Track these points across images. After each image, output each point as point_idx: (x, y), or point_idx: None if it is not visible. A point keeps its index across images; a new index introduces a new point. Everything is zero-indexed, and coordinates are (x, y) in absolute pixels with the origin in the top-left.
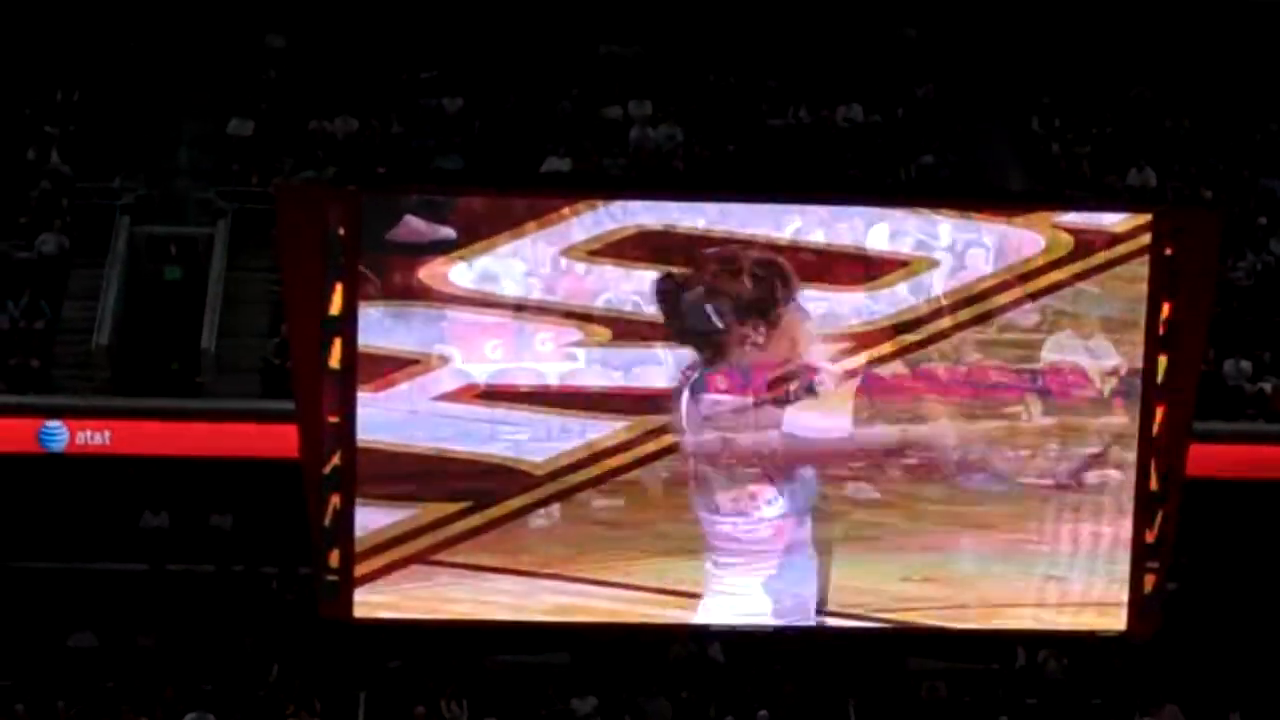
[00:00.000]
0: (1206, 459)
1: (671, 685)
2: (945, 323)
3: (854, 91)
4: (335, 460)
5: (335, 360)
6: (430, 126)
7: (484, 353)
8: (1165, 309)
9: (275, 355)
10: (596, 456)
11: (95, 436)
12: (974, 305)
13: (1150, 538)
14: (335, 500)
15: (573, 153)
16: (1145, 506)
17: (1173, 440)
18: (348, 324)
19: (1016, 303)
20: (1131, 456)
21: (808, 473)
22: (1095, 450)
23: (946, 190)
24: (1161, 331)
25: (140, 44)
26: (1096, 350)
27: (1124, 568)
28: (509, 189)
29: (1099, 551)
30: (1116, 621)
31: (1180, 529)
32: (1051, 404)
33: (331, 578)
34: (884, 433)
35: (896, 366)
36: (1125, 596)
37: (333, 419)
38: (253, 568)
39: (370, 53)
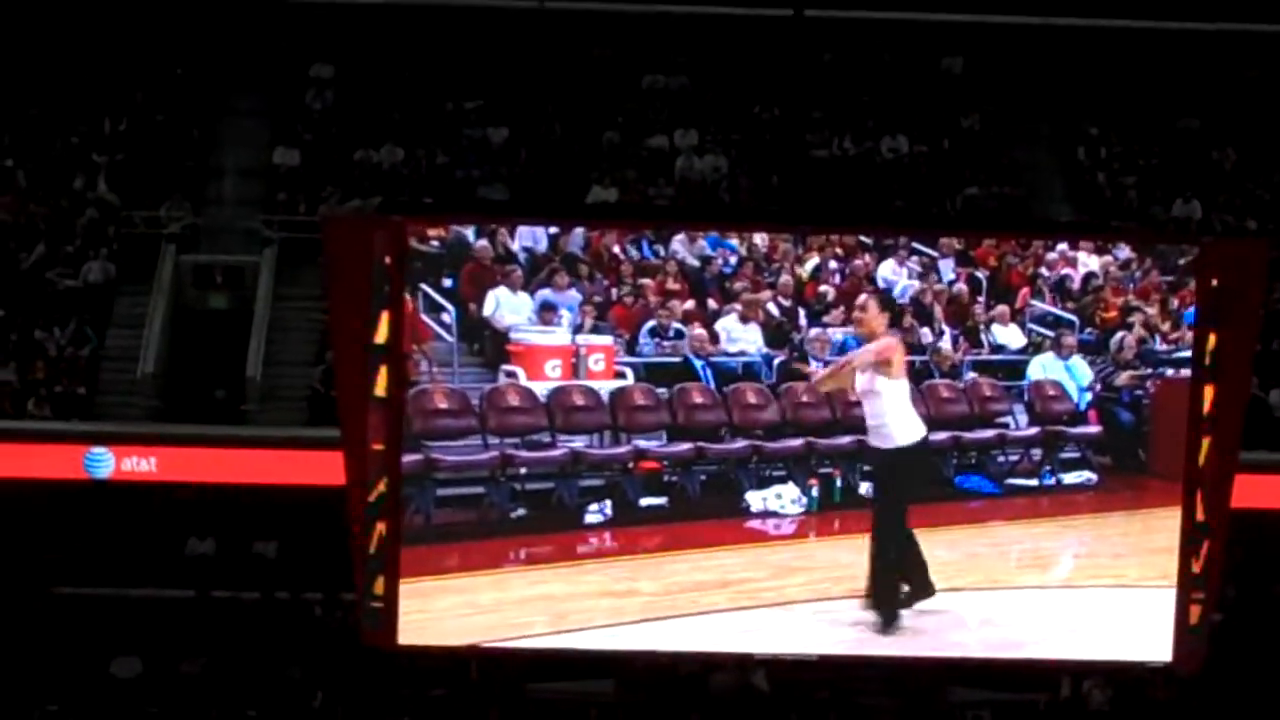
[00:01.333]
0: (1253, 489)
1: (715, 714)
2: (945, 346)
3: (899, 122)
4: (380, 488)
5: (381, 389)
6: (475, 156)
7: (544, 371)
8: (1211, 340)
9: (321, 383)
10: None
11: (141, 463)
12: (970, 331)
13: (1196, 569)
14: (380, 528)
15: (618, 183)
16: (1191, 538)
17: (1219, 471)
18: (393, 352)
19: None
20: (1105, 460)
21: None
22: (1073, 455)
23: (992, 222)
24: (1207, 362)
25: (187, 73)
26: (1075, 369)
27: (1105, 564)
28: (554, 218)
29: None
30: (1162, 653)
31: (1227, 560)
32: (1036, 416)
33: (375, 605)
34: None
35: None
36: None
37: (378, 446)
38: (297, 595)
39: (416, 83)
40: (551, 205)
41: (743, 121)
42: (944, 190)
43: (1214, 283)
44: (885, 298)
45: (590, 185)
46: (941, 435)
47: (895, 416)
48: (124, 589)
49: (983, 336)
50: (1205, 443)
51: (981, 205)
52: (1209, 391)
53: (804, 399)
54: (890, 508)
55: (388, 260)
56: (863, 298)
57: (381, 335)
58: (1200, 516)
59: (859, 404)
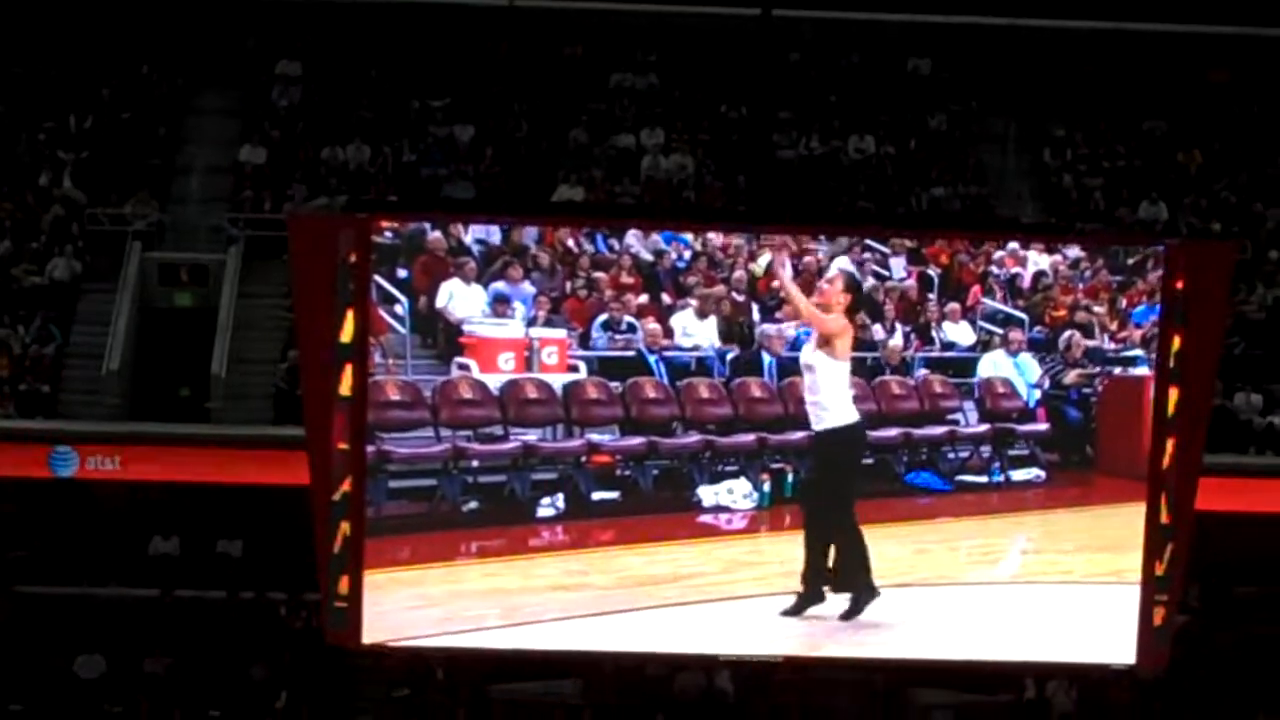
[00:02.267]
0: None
1: (679, 715)
2: (897, 341)
3: (866, 123)
4: (345, 487)
5: (346, 387)
6: (442, 155)
7: (497, 364)
8: (1176, 342)
9: (286, 382)
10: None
11: (105, 462)
12: (921, 328)
13: (1159, 571)
14: (344, 527)
15: (584, 182)
16: (1155, 540)
17: (1183, 474)
18: (358, 351)
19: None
20: (1053, 458)
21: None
22: (1022, 452)
23: (958, 222)
24: (1172, 364)
25: (153, 70)
26: (1024, 367)
27: (1053, 560)
28: (520, 217)
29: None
30: (1125, 654)
31: (1191, 563)
32: (986, 413)
33: (340, 604)
34: None
35: (854, 379)
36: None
37: (343, 446)
38: (261, 594)
39: (383, 81)
40: (517, 204)
41: (710, 121)
42: (910, 190)
43: (1179, 285)
44: (853, 281)
45: (557, 184)
46: (892, 431)
47: (830, 396)
48: (88, 588)
49: (934, 333)
50: (1169, 445)
51: (948, 206)
52: (1173, 394)
53: (756, 394)
54: (822, 490)
55: (353, 258)
56: (834, 271)
57: (346, 334)
58: (1165, 519)
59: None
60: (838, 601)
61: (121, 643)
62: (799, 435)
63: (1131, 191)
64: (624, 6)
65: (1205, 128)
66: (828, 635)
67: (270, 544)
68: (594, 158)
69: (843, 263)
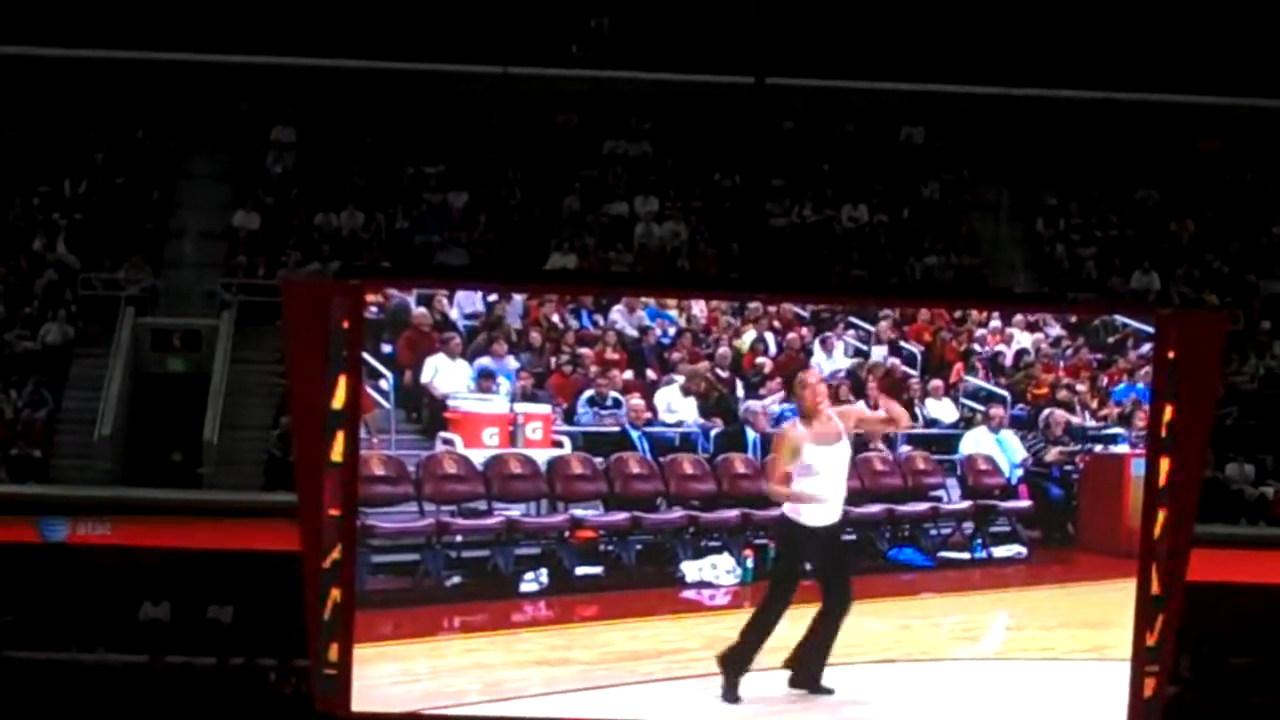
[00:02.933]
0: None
1: None
2: (880, 416)
3: (859, 191)
4: (335, 554)
5: (338, 454)
6: (435, 221)
7: (482, 439)
8: (1168, 412)
9: (278, 448)
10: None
11: (96, 527)
12: (904, 404)
13: (1151, 641)
14: (335, 594)
15: (577, 249)
16: (1146, 610)
17: (1174, 544)
18: (351, 418)
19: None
20: (1034, 534)
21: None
22: (1004, 529)
23: (951, 291)
24: (1164, 434)
25: (147, 135)
26: (1006, 444)
27: (1034, 636)
28: (512, 284)
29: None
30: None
31: (1182, 633)
32: (969, 489)
33: (330, 672)
34: None
35: None
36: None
37: (334, 512)
38: (251, 661)
39: (377, 147)
40: (511, 271)
41: (703, 189)
42: (904, 259)
43: (1171, 355)
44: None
45: (550, 251)
46: (875, 507)
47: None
48: (77, 653)
49: (917, 410)
50: (1161, 515)
51: (940, 275)
52: (1165, 464)
53: (740, 470)
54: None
55: (346, 325)
56: (803, 374)
57: (339, 400)
58: (1156, 589)
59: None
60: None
61: (110, 708)
62: (777, 512)
63: (1124, 261)
64: (617, 74)
65: (1197, 197)
66: (808, 710)
67: (261, 610)
68: (587, 225)
69: (817, 344)
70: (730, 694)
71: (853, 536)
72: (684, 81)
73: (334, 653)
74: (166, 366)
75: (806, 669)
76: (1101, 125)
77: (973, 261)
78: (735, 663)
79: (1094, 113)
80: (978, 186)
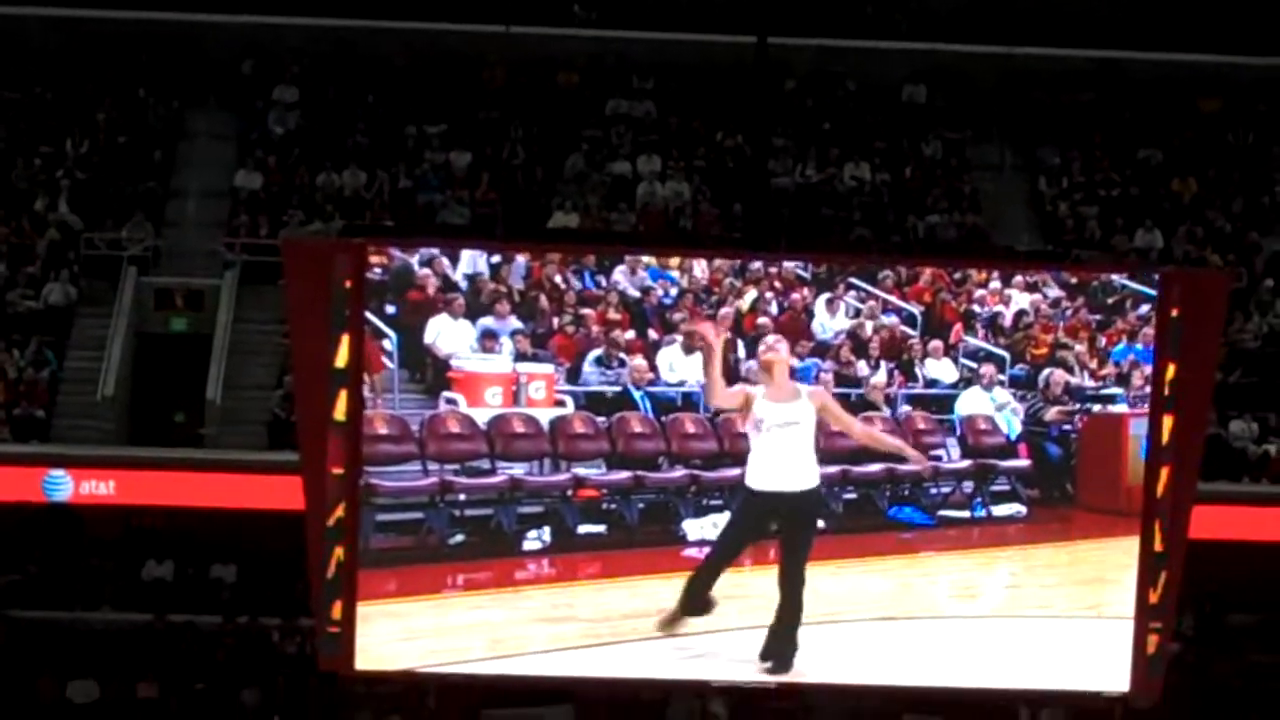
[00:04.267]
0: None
1: None
2: (881, 378)
3: (861, 150)
4: (339, 512)
5: (340, 413)
6: (438, 181)
7: (485, 398)
8: (1170, 370)
9: (281, 408)
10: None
11: (99, 486)
12: (904, 364)
13: (1154, 599)
14: (338, 553)
15: (580, 208)
16: (1149, 568)
17: (1177, 502)
18: (354, 376)
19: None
20: (1033, 493)
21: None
22: (1003, 488)
23: (954, 250)
24: (1166, 393)
25: (148, 95)
26: (1002, 403)
27: (1034, 594)
28: (514, 244)
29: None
30: (1119, 682)
31: (1184, 590)
32: (968, 449)
33: (333, 630)
34: (828, 471)
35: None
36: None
37: (337, 471)
38: (255, 620)
39: (378, 107)
40: (513, 230)
41: (705, 148)
42: (905, 218)
43: (1174, 313)
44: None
45: (552, 211)
46: (876, 467)
47: (810, 453)
48: (81, 613)
49: (917, 370)
50: (1164, 473)
51: (943, 233)
52: (1168, 422)
53: (741, 429)
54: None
55: (348, 284)
56: (771, 338)
57: (341, 359)
58: (1159, 547)
59: None
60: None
61: (114, 668)
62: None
63: (1127, 220)
64: (620, 34)
65: (1200, 156)
66: (814, 664)
67: (264, 569)
68: (590, 185)
69: (820, 303)
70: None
71: (853, 495)
72: (686, 41)
73: (337, 611)
74: (169, 326)
75: (776, 644)
76: (1103, 84)
77: (975, 220)
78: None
79: (1096, 72)
80: (980, 145)
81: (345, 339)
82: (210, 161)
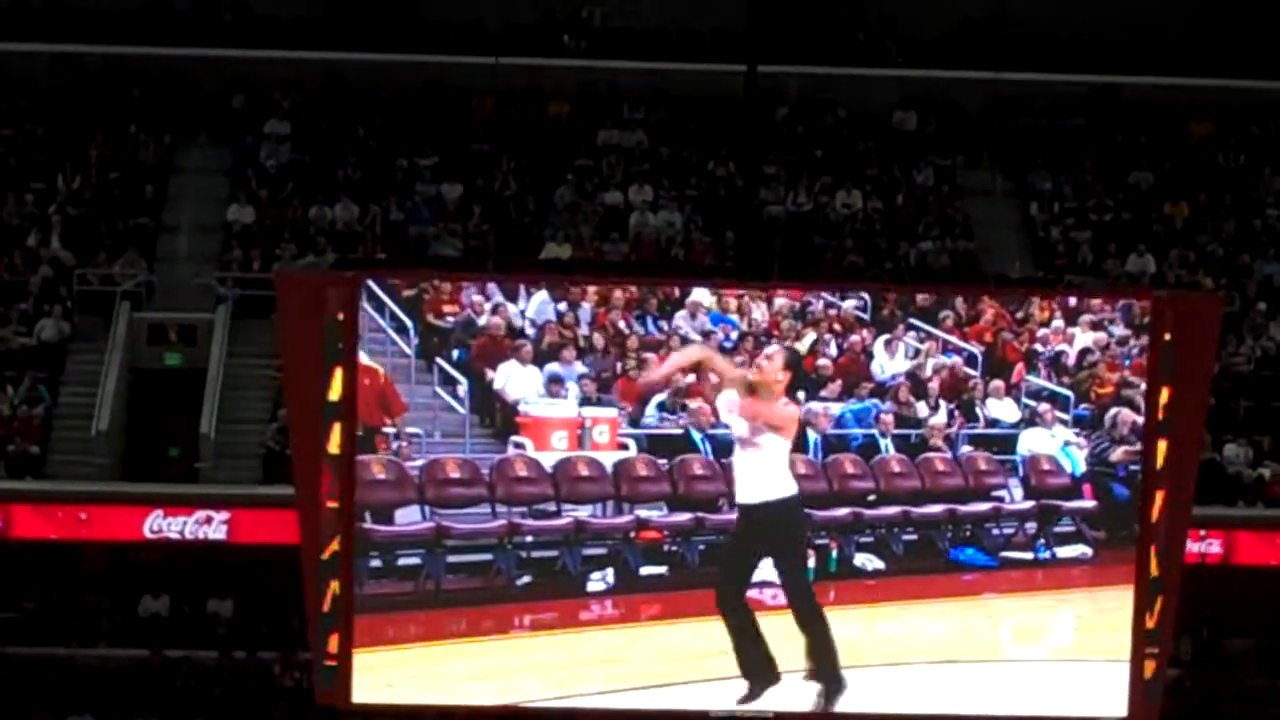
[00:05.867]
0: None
1: None
2: (941, 418)
3: (853, 178)
4: (334, 546)
5: (335, 445)
6: (430, 213)
7: (551, 442)
8: (1164, 394)
9: (275, 441)
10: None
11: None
12: (965, 404)
13: (1150, 624)
14: (334, 586)
15: (572, 239)
16: (1145, 593)
17: (1172, 525)
18: (347, 409)
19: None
20: (1100, 535)
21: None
22: (1068, 529)
23: (946, 277)
24: (1161, 416)
25: (140, 130)
26: (1066, 443)
27: (1102, 638)
28: (506, 276)
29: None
30: (1118, 707)
31: (1181, 615)
32: (1031, 489)
33: (330, 663)
34: (887, 513)
35: (899, 457)
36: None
37: (332, 504)
38: (252, 654)
39: (370, 140)
40: (505, 262)
41: (697, 178)
42: (898, 245)
43: (1167, 337)
44: (794, 358)
45: (544, 242)
46: (937, 508)
47: (772, 471)
48: (77, 649)
49: (978, 410)
50: (1158, 497)
51: (935, 260)
52: (1162, 446)
53: (801, 471)
54: (742, 563)
55: (341, 316)
56: (774, 348)
57: (335, 392)
58: (1155, 571)
59: (857, 478)
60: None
61: (111, 704)
62: (843, 512)
63: (1119, 244)
64: (610, 64)
65: (1191, 180)
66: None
67: (261, 603)
68: (582, 215)
69: (879, 345)
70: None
71: (914, 536)
72: (676, 70)
73: (333, 644)
74: (163, 361)
75: (820, 673)
76: (1094, 109)
77: (968, 246)
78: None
79: (1087, 97)
80: (971, 171)
81: (338, 372)
82: (202, 196)
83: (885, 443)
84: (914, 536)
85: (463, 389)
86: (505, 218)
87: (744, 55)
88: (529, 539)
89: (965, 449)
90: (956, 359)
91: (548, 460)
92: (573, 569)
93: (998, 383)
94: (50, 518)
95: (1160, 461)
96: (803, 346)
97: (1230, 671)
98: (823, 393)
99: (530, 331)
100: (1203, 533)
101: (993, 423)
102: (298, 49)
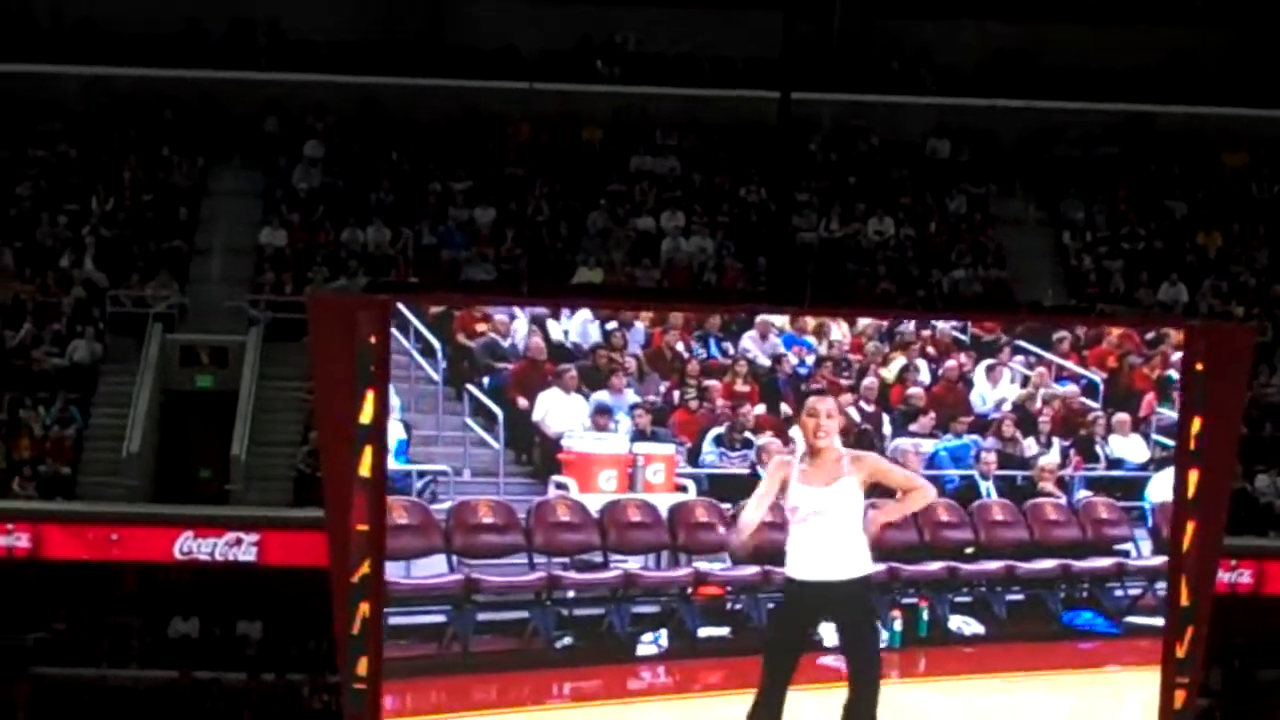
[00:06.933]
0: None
1: None
2: (1054, 458)
3: (885, 205)
4: (364, 569)
5: (365, 469)
6: (462, 237)
7: (598, 482)
8: (1196, 424)
9: (306, 463)
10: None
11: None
12: (1083, 441)
13: (1180, 654)
14: (364, 609)
15: (604, 264)
16: (1175, 622)
17: (1204, 556)
18: (378, 432)
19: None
20: None
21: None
22: None
23: (979, 304)
24: (1193, 447)
25: (173, 152)
26: None
27: None
28: (539, 300)
29: None
30: None
31: (1212, 645)
32: (1162, 543)
33: (359, 686)
34: (988, 568)
35: (1002, 503)
36: None
37: (362, 527)
38: (281, 676)
39: (403, 163)
40: (538, 287)
41: (730, 204)
42: (930, 273)
43: (1199, 367)
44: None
45: (576, 267)
46: (1048, 563)
47: (851, 540)
48: (107, 669)
49: (1098, 449)
50: (1190, 527)
51: (968, 288)
52: (1193, 476)
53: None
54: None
55: (373, 340)
56: (814, 399)
57: (366, 415)
58: (1185, 601)
59: (953, 526)
60: None
61: None
62: (936, 566)
63: (1151, 273)
64: (644, 90)
65: (1225, 210)
66: None
67: (290, 625)
68: (614, 240)
69: (979, 371)
70: None
71: (1021, 597)
72: (709, 97)
73: (362, 667)
74: (194, 383)
75: None
76: (1128, 138)
77: (1000, 275)
78: None
79: (1121, 126)
80: (1004, 200)
81: (370, 395)
82: (235, 218)
83: (986, 486)
84: (1020, 596)
85: (498, 421)
86: (538, 242)
87: (778, 82)
88: (570, 594)
89: (1082, 494)
90: (1073, 388)
91: (594, 503)
92: (620, 630)
93: (1123, 416)
94: (81, 538)
95: (1192, 491)
96: (889, 373)
97: (1261, 702)
98: (912, 427)
99: (575, 355)
100: (1234, 563)
101: (1116, 463)
102: (331, 73)
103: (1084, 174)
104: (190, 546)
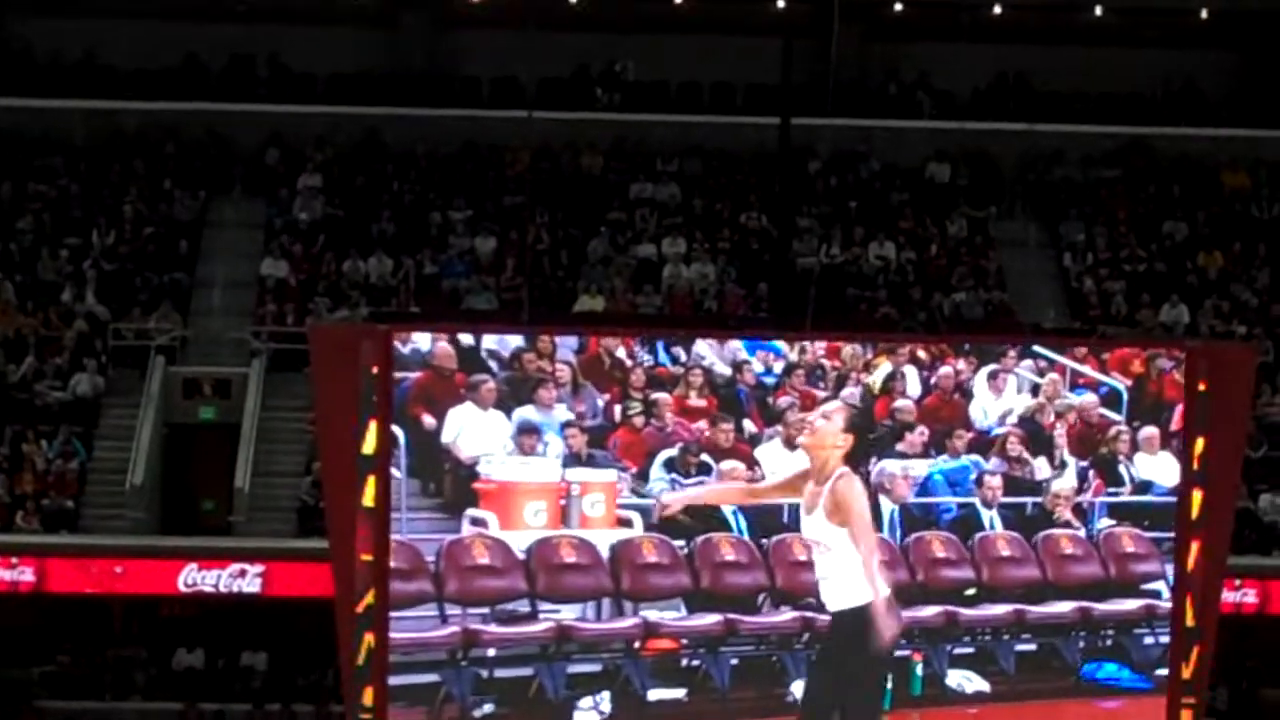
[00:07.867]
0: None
1: None
2: (1070, 482)
3: (886, 229)
4: (368, 599)
5: (369, 499)
6: (463, 266)
7: (523, 517)
8: (1199, 444)
9: (309, 494)
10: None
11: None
12: (1104, 461)
13: (1186, 674)
14: (368, 639)
15: (605, 292)
16: (1181, 642)
17: (1208, 576)
18: (381, 462)
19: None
20: None
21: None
22: None
23: (980, 327)
24: (1196, 467)
25: (174, 185)
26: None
27: None
28: (540, 328)
29: None
30: None
31: (1217, 665)
32: None
33: (365, 716)
34: (993, 613)
35: (1009, 535)
36: None
37: (366, 557)
38: (286, 707)
39: (403, 193)
40: (540, 315)
41: (730, 230)
42: (931, 296)
43: (1201, 388)
44: (858, 417)
45: (578, 295)
46: (1064, 607)
47: (845, 570)
48: (111, 702)
49: (1122, 469)
50: (1194, 547)
51: (969, 311)
52: (1197, 496)
53: (880, 556)
54: (825, 683)
55: (375, 370)
56: (833, 404)
57: (369, 445)
58: (1190, 621)
59: (951, 564)
60: None
61: None
62: (931, 612)
63: (1153, 295)
64: (643, 117)
65: (1225, 231)
66: None
67: (295, 656)
68: (615, 268)
69: (980, 379)
70: None
71: (1031, 646)
72: (709, 124)
73: (368, 698)
74: (197, 415)
75: None
76: (1128, 161)
77: (1001, 297)
78: None
79: (1120, 149)
80: (1004, 222)
81: (373, 425)
82: (236, 250)
83: (990, 515)
84: (1032, 646)
85: (398, 444)
86: (539, 271)
87: (777, 108)
88: (491, 652)
89: (1104, 523)
90: (1091, 397)
91: (519, 542)
92: (554, 693)
93: (1150, 430)
94: (85, 571)
95: (1196, 511)
96: (874, 381)
97: None
98: (900, 446)
99: (493, 364)
100: (1238, 582)
101: (1143, 486)
102: (332, 104)
103: (1084, 196)
104: (195, 578)
